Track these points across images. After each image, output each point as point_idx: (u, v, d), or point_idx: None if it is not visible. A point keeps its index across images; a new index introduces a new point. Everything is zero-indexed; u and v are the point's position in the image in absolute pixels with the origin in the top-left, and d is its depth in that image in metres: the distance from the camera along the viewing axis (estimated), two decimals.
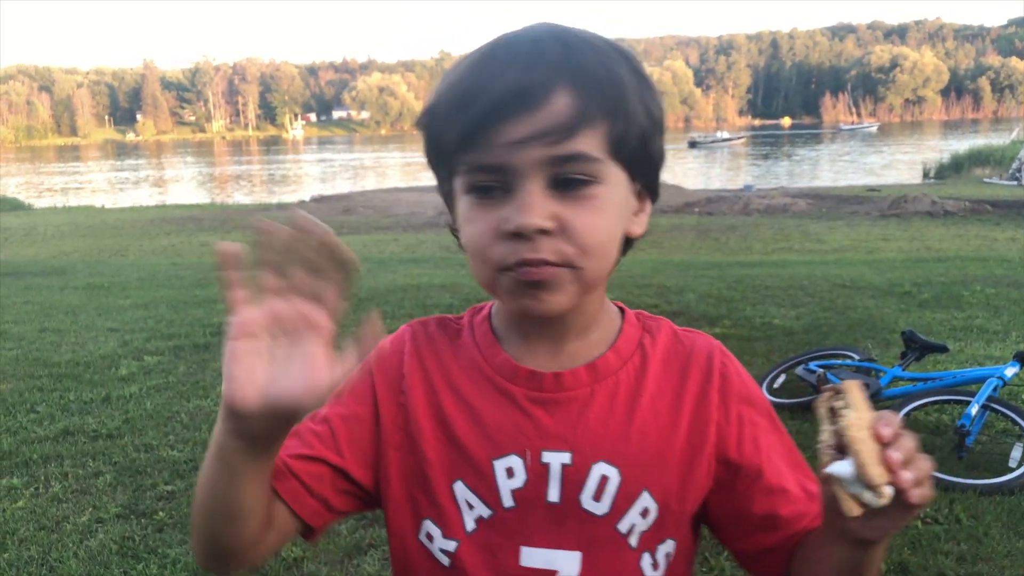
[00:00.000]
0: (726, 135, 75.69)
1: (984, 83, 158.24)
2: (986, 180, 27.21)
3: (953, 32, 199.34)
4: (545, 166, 0.73)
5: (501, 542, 0.83)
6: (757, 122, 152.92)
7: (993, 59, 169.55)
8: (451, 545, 0.85)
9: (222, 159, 79.24)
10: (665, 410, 0.85)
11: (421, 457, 0.86)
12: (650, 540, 0.84)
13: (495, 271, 0.76)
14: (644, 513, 0.83)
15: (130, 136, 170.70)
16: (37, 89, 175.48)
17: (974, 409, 3.60)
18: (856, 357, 4.57)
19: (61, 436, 4.13)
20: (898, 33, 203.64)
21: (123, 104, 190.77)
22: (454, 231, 0.84)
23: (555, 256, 0.74)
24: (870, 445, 0.64)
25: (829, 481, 0.66)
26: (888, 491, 0.64)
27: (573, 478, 0.82)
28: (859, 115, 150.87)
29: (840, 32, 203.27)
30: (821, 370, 4.26)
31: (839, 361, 4.54)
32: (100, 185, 46.53)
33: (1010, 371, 3.81)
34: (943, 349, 4.33)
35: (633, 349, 0.87)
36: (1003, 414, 3.70)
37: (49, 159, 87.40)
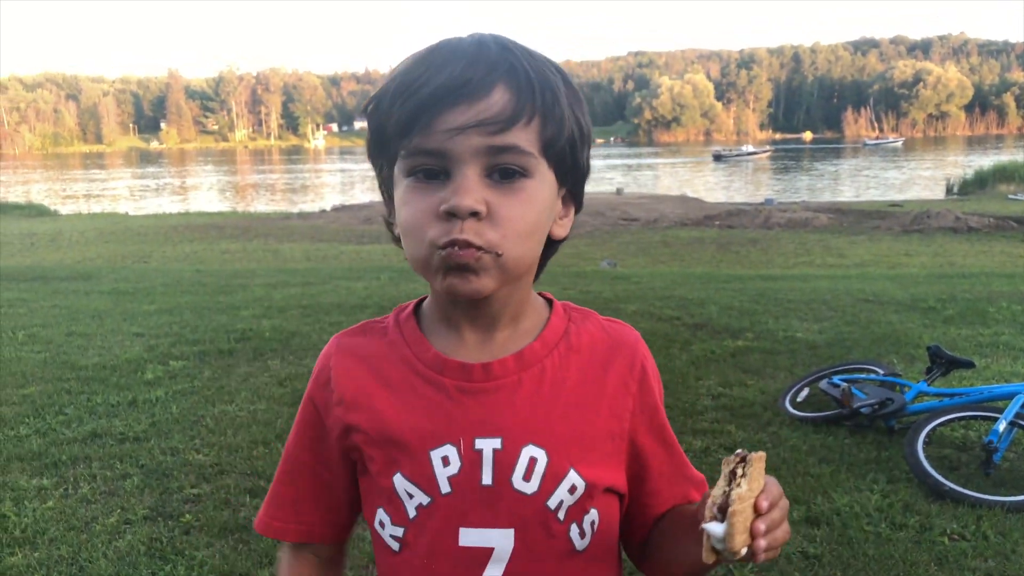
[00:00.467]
0: (751, 148, 75.20)
1: (1009, 99, 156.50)
2: (1011, 196, 26.94)
3: (977, 47, 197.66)
4: (481, 155, 0.79)
5: (441, 526, 0.88)
6: (778, 136, 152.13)
7: (1018, 75, 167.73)
8: (399, 531, 0.91)
9: (244, 168, 79.87)
10: (589, 395, 0.91)
11: (364, 455, 0.92)
12: (576, 512, 0.90)
13: (430, 249, 0.81)
14: (572, 489, 0.89)
15: (154, 144, 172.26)
16: (64, 97, 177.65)
17: (1002, 426, 3.57)
18: (880, 372, 4.55)
19: (89, 438, 4.18)
20: (922, 48, 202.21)
21: (147, 112, 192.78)
22: (389, 224, 0.90)
23: (480, 240, 0.79)
24: (746, 515, 0.75)
25: (701, 532, 0.76)
26: (743, 552, 0.75)
27: (504, 461, 0.87)
28: (881, 130, 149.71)
29: (863, 46, 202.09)
30: (845, 384, 4.23)
31: (863, 375, 4.51)
32: (124, 192, 47.07)
33: None
34: (970, 365, 4.29)
35: (559, 338, 0.93)
36: None
37: (74, 166, 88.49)
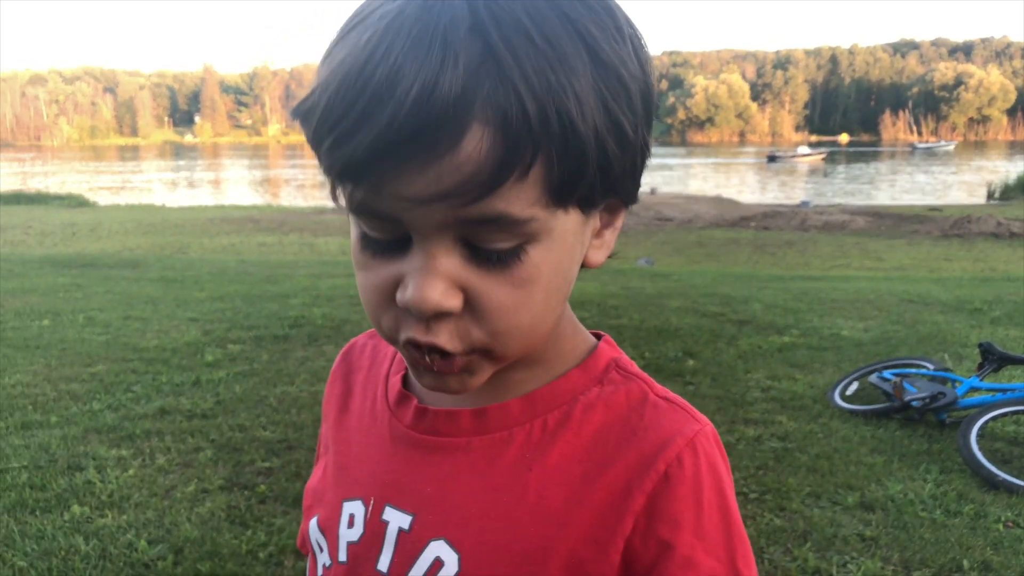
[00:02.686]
0: (806, 150, 74.08)
1: None
2: None
3: (1021, 51, 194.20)
4: (452, 227, 0.52)
5: None
6: (814, 138, 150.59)
7: None
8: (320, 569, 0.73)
9: (277, 162, 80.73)
10: (561, 496, 0.61)
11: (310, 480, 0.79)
12: None
13: (389, 335, 0.59)
14: None
15: (188, 138, 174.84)
16: (102, 90, 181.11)
17: None
18: (930, 367, 4.59)
19: (159, 414, 4.35)
20: (963, 50, 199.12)
21: (182, 106, 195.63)
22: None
23: (455, 344, 0.56)
24: None
25: None
26: None
27: (406, 550, 0.64)
28: (920, 133, 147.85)
29: (902, 48, 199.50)
30: (897, 378, 4.29)
31: (914, 370, 4.56)
32: (159, 184, 47.83)
33: None
34: (1022, 361, 4.33)
35: (559, 403, 0.64)
36: None
37: (111, 158, 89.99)
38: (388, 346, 0.76)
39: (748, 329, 6.36)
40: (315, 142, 0.53)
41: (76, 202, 31.38)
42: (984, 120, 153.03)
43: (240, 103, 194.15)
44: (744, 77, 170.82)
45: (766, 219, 21.70)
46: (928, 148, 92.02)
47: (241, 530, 3.07)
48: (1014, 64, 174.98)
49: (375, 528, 0.66)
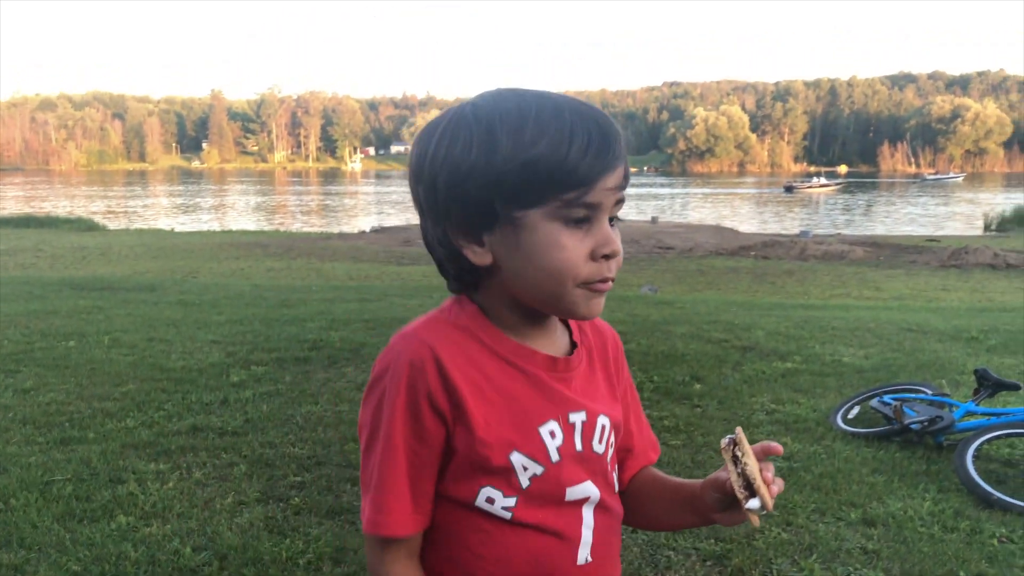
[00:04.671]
0: (823, 180, 74.51)
1: None
2: None
3: (1017, 84, 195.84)
4: (613, 207, 1.00)
5: (552, 488, 1.05)
6: (812, 169, 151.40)
7: None
8: (511, 502, 1.04)
9: (283, 188, 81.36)
10: (608, 373, 1.17)
11: (476, 440, 1.01)
12: (615, 462, 1.18)
13: (575, 285, 0.99)
14: (612, 445, 1.15)
15: (195, 164, 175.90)
16: (110, 116, 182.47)
17: None
18: (929, 392, 4.80)
19: (191, 431, 4.55)
20: (960, 84, 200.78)
21: (190, 132, 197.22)
22: (464, 245, 1.01)
23: (615, 273, 1.02)
24: (760, 479, 0.99)
25: (745, 512, 1.00)
26: (768, 507, 0.99)
27: (587, 431, 1.09)
28: (918, 165, 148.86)
29: (900, 81, 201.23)
30: (897, 402, 4.50)
31: (913, 395, 4.77)
32: (167, 209, 48.26)
33: None
34: (1015, 387, 4.53)
35: (579, 336, 1.15)
36: None
37: (119, 183, 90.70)
38: (457, 334, 1.06)
39: (752, 355, 6.57)
40: (553, 163, 0.95)
41: (86, 226, 31.74)
42: (981, 152, 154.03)
43: (247, 130, 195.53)
44: (744, 108, 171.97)
45: (766, 248, 22.00)
46: (938, 179, 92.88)
47: (280, 539, 3.26)
48: (1010, 97, 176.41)
49: (567, 429, 1.07)
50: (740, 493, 0.99)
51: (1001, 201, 46.17)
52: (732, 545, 3.24)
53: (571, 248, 0.97)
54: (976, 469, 3.81)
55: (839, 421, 4.72)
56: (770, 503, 0.99)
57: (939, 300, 12.81)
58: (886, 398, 4.69)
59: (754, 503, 0.98)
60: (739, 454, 1.00)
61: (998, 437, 4.10)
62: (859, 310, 10.11)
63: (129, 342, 6.96)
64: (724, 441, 1.02)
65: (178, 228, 33.88)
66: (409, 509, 1.03)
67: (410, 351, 1.01)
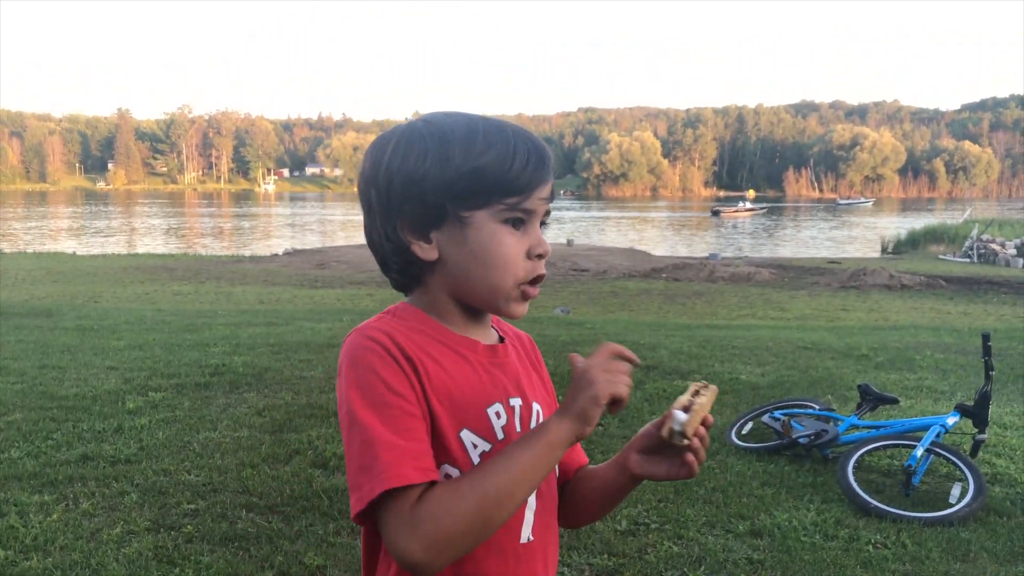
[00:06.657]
0: (748, 204, 76.55)
1: (939, 164, 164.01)
2: (940, 256, 28.40)
3: (910, 114, 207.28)
4: (543, 215, 1.15)
5: None
6: (721, 193, 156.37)
7: (947, 142, 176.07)
8: None
9: (193, 211, 79.17)
10: (531, 365, 1.27)
11: (435, 418, 1.08)
12: None
13: (515, 282, 1.12)
14: None
15: (100, 185, 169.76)
16: (8, 134, 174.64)
17: (919, 452, 4.05)
18: (816, 407, 5.02)
19: (81, 460, 4.39)
20: (858, 113, 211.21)
21: (95, 152, 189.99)
22: (412, 241, 1.12)
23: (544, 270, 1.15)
24: (698, 418, 1.10)
25: (667, 418, 1.10)
26: (685, 442, 1.08)
27: (524, 415, 1.18)
28: (820, 190, 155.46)
29: (803, 110, 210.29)
30: (785, 417, 4.69)
31: (801, 410, 4.98)
32: (69, 232, 46.35)
33: (951, 420, 4.28)
34: (894, 401, 4.79)
35: (503, 335, 1.25)
36: (945, 458, 4.17)
37: (16, 204, 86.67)
38: (406, 327, 1.14)
39: (655, 374, 6.73)
40: (500, 169, 1.09)
41: None
42: (879, 179, 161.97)
43: (156, 150, 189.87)
44: (656, 134, 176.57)
45: (676, 270, 22.55)
46: (850, 203, 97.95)
47: (169, 568, 3.18)
48: (904, 127, 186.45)
49: (509, 411, 1.16)
50: (677, 406, 1.10)
51: (897, 225, 48.50)
52: (624, 560, 3.32)
53: (510, 245, 1.11)
54: (856, 479, 4.00)
55: (733, 437, 4.89)
56: (690, 433, 1.07)
57: (839, 320, 13.36)
58: (776, 413, 4.89)
59: (681, 415, 1.08)
60: (702, 394, 1.12)
61: (877, 448, 4.33)
62: (761, 329, 10.47)
63: (18, 369, 6.67)
64: (701, 382, 1.15)
65: (80, 251, 32.54)
66: (410, 457, 1.02)
67: (370, 333, 1.10)
